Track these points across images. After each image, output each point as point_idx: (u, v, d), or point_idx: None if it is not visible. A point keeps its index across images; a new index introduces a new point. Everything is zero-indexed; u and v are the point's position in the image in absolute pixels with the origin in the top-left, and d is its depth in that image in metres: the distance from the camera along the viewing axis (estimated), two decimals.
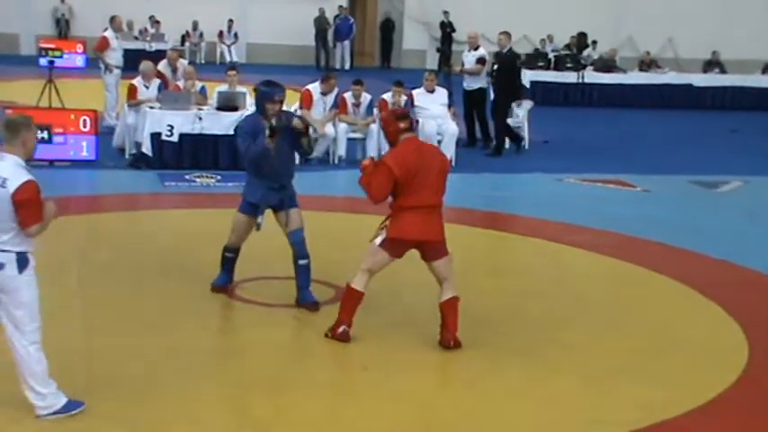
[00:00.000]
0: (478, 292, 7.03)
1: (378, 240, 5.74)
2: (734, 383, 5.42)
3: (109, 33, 14.06)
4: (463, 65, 13.63)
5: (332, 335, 5.82)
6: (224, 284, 6.70)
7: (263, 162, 6.25)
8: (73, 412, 4.65)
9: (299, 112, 12.21)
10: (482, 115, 13.64)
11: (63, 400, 4.65)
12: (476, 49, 13.68)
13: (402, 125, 5.72)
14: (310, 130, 6.51)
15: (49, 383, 4.64)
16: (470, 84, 13.49)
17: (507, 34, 13.63)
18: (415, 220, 5.64)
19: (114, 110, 13.61)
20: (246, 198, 6.50)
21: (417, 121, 12.32)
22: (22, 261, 4.50)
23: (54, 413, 4.62)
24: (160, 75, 12.84)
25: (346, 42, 26.68)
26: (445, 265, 5.78)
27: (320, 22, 26.60)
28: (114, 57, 13.94)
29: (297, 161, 6.96)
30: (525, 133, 14.12)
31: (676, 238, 8.76)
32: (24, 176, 4.47)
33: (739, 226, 9.58)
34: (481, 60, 13.47)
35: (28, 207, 4.45)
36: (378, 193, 5.67)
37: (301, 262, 6.42)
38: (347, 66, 26.20)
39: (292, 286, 6.65)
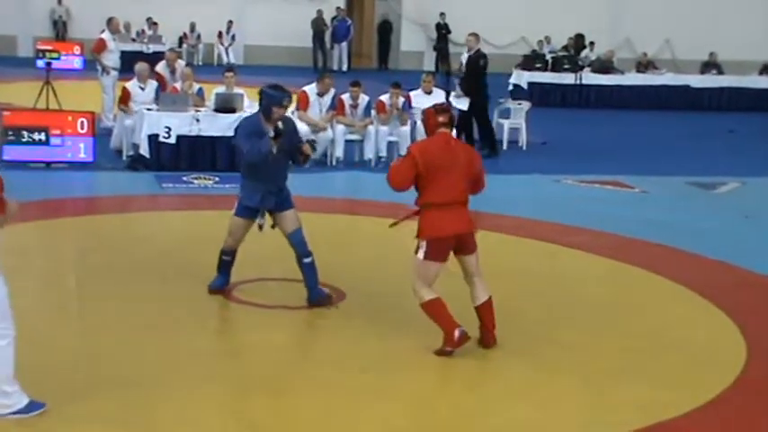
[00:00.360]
0: None
1: (420, 255, 5.63)
2: (732, 384, 5.42)
3: (106, 35, 14.06)
4: (462, 64, 13.62)
5: (450, 347, 5.56)
6: (221, 287, 6.70)
7: (263, 164, 6.25)
8: (34, 413, 4.60)
9: (295, 114, 12.24)
10: (481, 118, 13.60)
11: (25, 400, 4.62)
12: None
13: (441, 119, 5.74)
14: (311, 149, 6.57)
15: (15, 382, 4.61)
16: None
17: (476, 36, 13.68)
18: (447, 216, 5.61)
19: (111, 111, 13.60)
20: (243, 202, 6.49)
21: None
22: None
23: (16, 412, 4.58)
24: (159, 76, 12.84)
25: (344, 44, 26.68)
26: (475, 258, 5.79)
27: (317, 24, 26.62)
28: (111, 58, 13.94)
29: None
30: (523, 135, 14.14)
31: (674, 239, 8.76)
32: None
33: (737, 227, 9.59)
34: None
35: None
36: (399, 180, 5.66)
37: (306, 260, 6.43)
38: (344, 67, 26.21)
39: (290, 288, 6.66)
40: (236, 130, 6.54)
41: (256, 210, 6.44)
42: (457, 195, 5.67)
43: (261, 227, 6.49)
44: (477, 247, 5.82)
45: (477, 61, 13.34)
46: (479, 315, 5.81)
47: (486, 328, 5.80)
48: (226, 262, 6.69)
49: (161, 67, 13.24)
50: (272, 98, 6.31)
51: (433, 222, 5.60)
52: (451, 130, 5.86)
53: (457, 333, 5.57)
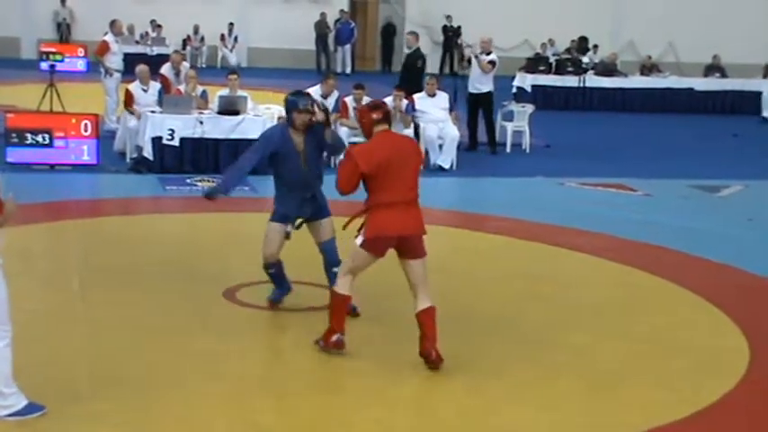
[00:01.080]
0: (480, 296, 7.04)
1: (358, 241, 5.55)
2: (735, 387, 5.42)
3: (109, 37, 14.09)
4: (478, 58, 13.47)
5: (324, 344, 5.61)
6: (280, 297, 6.57)
7: (291, 170, 6.23)
8: (33, 415, 4.63)
9: None
10: (490, 119, 13.66)
11: (24, 402, 4.63)
12: (488, 53, 13.63)
13: (375, 116, 5.53)
14: (330, 118, 6.42)
15: (12, 384, 4.62)
16: (480, 87, 13.50)
17: (415, 35, 13.85)
18: (394, 216, 5.43)
19: (115, 114, 13.63)
20: (280, 209, 6.38)
21: (417, 126, 12.44)
22: None
23: (14, 414, 4.60)
24: (163, 78, 12.84)
25: (347, 47, 26.68)
26: (422, 266, 5.56)
27: (321, 27, 26.64)
28: (114, 61, 13.97)
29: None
30: (526, 137, 14.14)
31: (677, 242, 8.76)
32: None
33: (740, 230, 9.58)
34: (492, 63, 13.50)
35: None
36: (345, 185, 5.50)
37: (335, 269, 6.35)
38: (348, 70, 26.22)
39: (294, 290, 6.65)
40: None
41: (293, 216, 6.37)
42: (406, 193, 5.48)
43: (288, 235, 6.39)
44: (426, 255, 5.56)
45: (416, 60, 13.38)
46: (419, 322, 5.52)
47: (426, 337, 5.51)
48: (274, 275, 6.51)
49: (166, 69, 13.25)
50: (290, 103, 6.30)
51: (379, 221, 5.44)
52: (389, 126, 5.66)
53: (335, 337, 5.58)
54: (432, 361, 5.47)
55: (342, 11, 27.26)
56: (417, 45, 13.63)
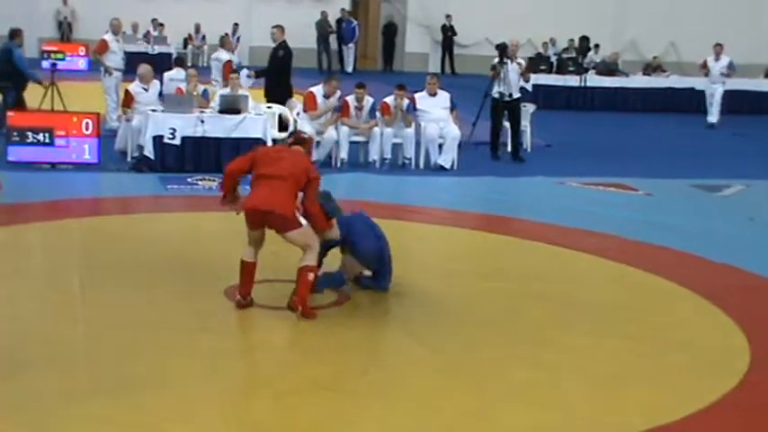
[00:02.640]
0: (480, 295, 7.03)
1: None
2: (735, 388, 5.41)
3: (108, 36, 14.09)
4: (520, 65, 13.12)
5: (233, 297, 6.45)
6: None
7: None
8: None
9: (302, 116, 12.26)
10: (517, 126, 13.16)
11: None
12: (515, 59, 13.17)
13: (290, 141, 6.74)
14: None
15: None
16: (514, 93, 12.97)
17: (281, 28, 13.45)
18: (253, 194, 6.27)
19: (115, 113, 13.61)
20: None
21: (419, 125, 12.42)
22: None
23: None
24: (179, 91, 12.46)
25: (351, 45, 26.70)
26: (298, 235, 6.24)
27: (322, 26, 26.64)
28: (113, 60, 13.96)
29: None
30: (528, 137, 14.13)
31: (678, 241, 8.76)
32: None
33: (741, 230, 9.57)
34: (525, 70, 13.25)
35: None
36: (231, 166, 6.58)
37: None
38: (350, 68, 26.22)
39: (293, 289, 6.65)
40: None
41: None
42: (274, 170, 6.25)
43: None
44: (295, 227, 6.19)
45: (276, 52, 13.25)
46: (296, 275, 6.28)
47: (296, 292, 6.26)
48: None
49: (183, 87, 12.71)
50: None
51: (246, 198, 6.41)
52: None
53: (237, 296, 6.41)
54: (296, 312, 6.21)
55: (343, 10, 27.26)
56: (283, 38, 13.43)
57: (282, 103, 12.88)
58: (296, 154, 6.47)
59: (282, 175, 6.23)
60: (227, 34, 14.67)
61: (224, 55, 14.32)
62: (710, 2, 27.77)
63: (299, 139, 6.69)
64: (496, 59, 13.06)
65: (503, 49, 12.82)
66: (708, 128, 18.03)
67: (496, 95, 13.03)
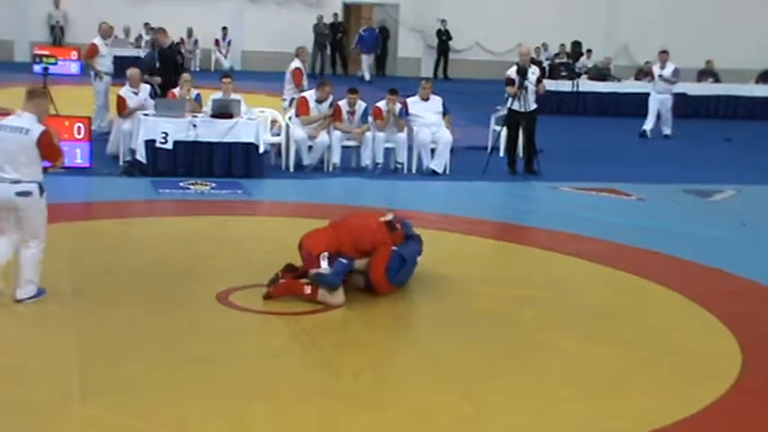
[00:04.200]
0: (472, 300, 7.03)
1: None
2: (726, 392, 5.42)
3: (97, 40, 14.08)
4: (540, 82, 12.70)
5: None
6: None
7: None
8: (42, 296, 6.38)
9: (294, 120, 12.26)
10: (533, 138, 12.58)
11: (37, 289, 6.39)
12: (530, 65, 12.80)
13: None
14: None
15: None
16: (531, 104, 12.38)
17: (164, 30, 14.04)
18: None
19: (105, 117, 13.58)
20: None
21: (411, 130, 12.41)
22: (42, 189, 6.55)
23: (33, 297, 6.36)
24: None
25: (371, 55, 26.47)
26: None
27: (319, 29, 26.62)
28: (104, 63, 13.93)
29: None
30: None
31: (670, 246, 8.78)
32: (41, 127, 6.37)
33: (732, 235, 9.60)
34: (539, 79, 12.73)
35: (49, 147, 6.45)
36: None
37: None
38: (368, 76, 25.94)
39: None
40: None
41: None
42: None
43: None
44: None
45: (172, 55, 13.69)
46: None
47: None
48: None
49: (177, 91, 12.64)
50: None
51: None
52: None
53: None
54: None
55: (334, 14, 27.25)
56: (170, 41, 13.96)
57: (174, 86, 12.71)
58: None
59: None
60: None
61: (295, 63, 14.02)
62: (702, 8, 27.88)
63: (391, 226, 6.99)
64: (513, 73, 12.44)
65: (523, 73, 12.39)
66: (641, 135, 17.01)
67: (515, 107, 12.40)
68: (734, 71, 23.67)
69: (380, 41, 27.15)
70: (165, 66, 13.58)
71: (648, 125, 17.23)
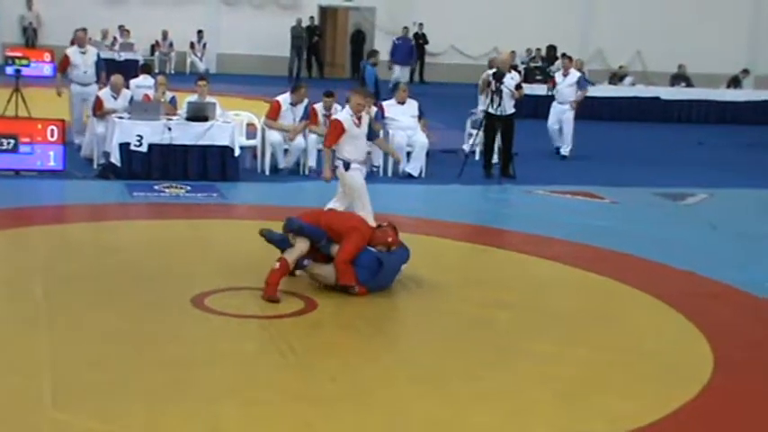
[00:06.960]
0: (448, 303, 7.05)
1: None
2: (698, 394, 5.48)
3: (70, 50, 13.83)
4: (520, 88, 12.66)
5: None
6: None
7: None
8: None
9: (264, 122, 12.22)
10: (510, 142, 12.59)
11: None
12: (510, 70, 12.85)
13: None
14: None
15: None
16: (508, 109, 12.45)
17: (84, 31, 14.23)
18: None
19: (77, 125, 13.35)
20: None
21: (387, 133, 12.45)
22: None
23: None
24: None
25: (407, 68, 24.85)
26: None
27: (297, 32, 26.60)
28: (76, 75, 13.61)
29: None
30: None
31: (643, 249, 8.85)
32: None
33: (704, 238, 9.70)
34: (519, 85, 12.72)
35: None
36: None
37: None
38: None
39: (261, 297, 6.64)
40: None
41: None
42: None
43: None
44: None
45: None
46: None
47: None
48: None
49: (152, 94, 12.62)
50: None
51: None
52: None
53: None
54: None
55: (311, 18, 27.23)
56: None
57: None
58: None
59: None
60: None
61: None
62: (676, 12, 28.15)
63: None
64: (490, 76, 12.47)
65: (500, 78, 12.39)
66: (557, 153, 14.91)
67: (491, 111, 12.43)
68: (706, 75, 23.94)
69: (416, 52, 25.28)
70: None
71: (564, 146, 14.79)
